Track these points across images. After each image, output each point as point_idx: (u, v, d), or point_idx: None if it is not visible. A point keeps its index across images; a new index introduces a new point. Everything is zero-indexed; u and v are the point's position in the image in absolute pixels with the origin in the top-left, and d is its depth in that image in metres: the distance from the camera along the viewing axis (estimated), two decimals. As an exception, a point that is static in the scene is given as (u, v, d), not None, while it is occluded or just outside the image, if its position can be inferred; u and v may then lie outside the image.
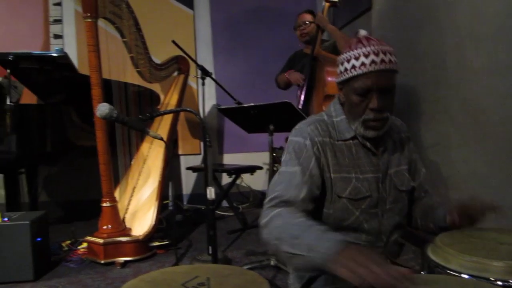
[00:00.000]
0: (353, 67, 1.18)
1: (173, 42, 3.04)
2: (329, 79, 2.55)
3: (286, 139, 2.86)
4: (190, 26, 4.59)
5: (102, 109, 1.54)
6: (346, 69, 1.21)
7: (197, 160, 4.60)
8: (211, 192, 1.95)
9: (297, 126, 1.32)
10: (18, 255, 2.49)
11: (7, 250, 2.49)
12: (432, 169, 2.41)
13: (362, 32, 1.29)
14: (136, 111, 3.20)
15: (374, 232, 1.27)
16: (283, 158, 1.27)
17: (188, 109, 2.04)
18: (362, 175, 1.25)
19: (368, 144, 1.26)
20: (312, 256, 0.93)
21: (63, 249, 3.08)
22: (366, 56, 1.16)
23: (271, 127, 2.42)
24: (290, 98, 2.47)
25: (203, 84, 2.93)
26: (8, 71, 3.01)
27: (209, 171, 1.97)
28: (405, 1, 2.81)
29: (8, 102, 2.99)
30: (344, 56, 1.22)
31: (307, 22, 3.17)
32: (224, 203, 4.15)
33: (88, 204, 4.33)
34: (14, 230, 2.50)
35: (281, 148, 3.20)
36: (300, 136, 1.26)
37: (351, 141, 1.27)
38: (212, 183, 1.99)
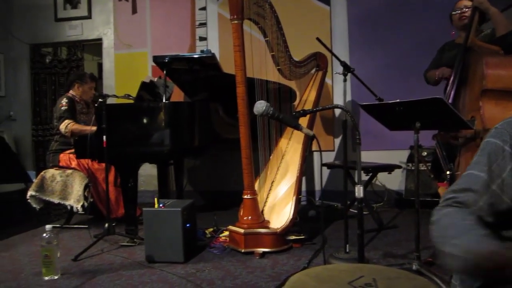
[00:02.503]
0: None
1: (317, 39, 3.05)
2: (490, 71, 2.31)
3: (433, 137, 2.70)
4: (326, 23, 4.57)
5: (259, 106, 1.61)
6: None
7: (330, 157, 4.57)
8: (359, 191, 1.92)
9: (499, 125, 1.11)
10: (171, 239, 2.75)
11: (162, 233, 2.76)
12: None
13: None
14: (276, 108, 3.30)
15: None
16: (474, 158, 1.13)
17: (340, 105, 2.03)
18: None
19: None
20: (470, 259, 0.88)
21: (206, 236, 3.31)
22: None
23: (417, 124, 2.28)
24: (435, 92, 2.31)
25: (345, 80, 2.89)
26: (164, 72, 3.33)
27: (358, 169, 1.94)
28: None
29: (164, 100, 3.32)
30: None
31: (466, 9, 2.92)
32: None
33: (227, 195, 4.62)
34: (168, 216, 2.76)
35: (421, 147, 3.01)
36: (499, 138, 1.08)
37: None
38: (361, 181, 1.95)
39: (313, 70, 3.91)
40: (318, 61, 3.80)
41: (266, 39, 3.14)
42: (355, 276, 0.90)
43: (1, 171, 1.67)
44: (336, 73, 3.48)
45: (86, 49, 5.52)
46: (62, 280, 2.52)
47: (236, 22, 2.85)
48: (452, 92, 2.61)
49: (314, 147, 4.60)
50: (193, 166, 4.90)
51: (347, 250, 2.74)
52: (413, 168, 4.19)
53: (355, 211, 3.99)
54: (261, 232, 2.90)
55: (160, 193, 4.01)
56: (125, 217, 3.39)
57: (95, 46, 5.45)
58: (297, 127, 1.70)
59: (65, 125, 3.77)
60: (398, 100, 2.21)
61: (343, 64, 2.91)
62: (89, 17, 5.29)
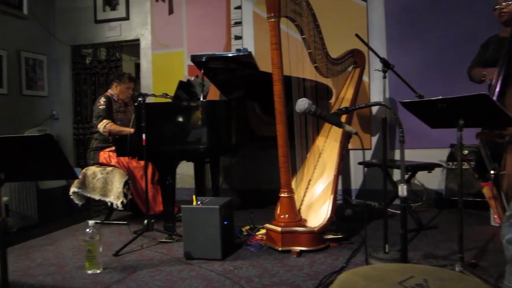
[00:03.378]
0: None
1: (357, 35, 3.01)
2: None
3: (476, 135, 2.61)
4: (363, 19, 4.50)
5: (301, 104, 1.60)
6: None
7: (366, 155, 4.50)
8: (403, 189, 1.88)
9: None
10: (209, 236, 2.78)
11: (200, 230, 2.79)
12: None
13: None
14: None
15: None
16: None
17: (382, 103, 1.99)
18: None
19: None
20: None
21: (243, 233, 3.33)
22: None
23: (461, 122, 2.21)
24: (477, 89, 2.23)
25: (384, 77, 2.84)
26: (202, 71, 3.37)
27: (402, 168, 1.89)
28: None
29: (201, 98, 3.35)
30: None
31: (504, 3, 2.82)
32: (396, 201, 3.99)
33: (263, 193, 4.63)
34: (206, 213, 2.79)
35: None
36: None
37: None
38: (404, 180, 1.90)
39: (350, 67, 3.86)
40: (355, 58, 3.75)
41: (303, 36, 3.12)
42: (404, 276, 0.88)
43: (51, 168, 1.73)
44: (376, 70, 3.41)
45: (124, 49, 5.64)
46: (104, 274, 2.60)
47: (273, 20, 2.85)
48: (498, 89, 2.52)
49: (351, 145, 4.54)
50: (229, 164, 4.93)
51: (387, 250, 2.69)
52: (453, 167, 4.07)
53: (393, 211, 3.97)
54: (298, 231, 2.89)
55: (197, 190, 4.06)
56: (164, 214, 3.45)
57: (133, 46, 5.57)
58: (340, 125, 1.68)
59: (103, 125, 3.86)
60: (440, 97, 2.15)
61: (382, 60, 2.86)
62: (127, 18, 5.41)
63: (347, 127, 1.71)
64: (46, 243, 3.37)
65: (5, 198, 4.39)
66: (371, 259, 2.64)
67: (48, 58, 5.68)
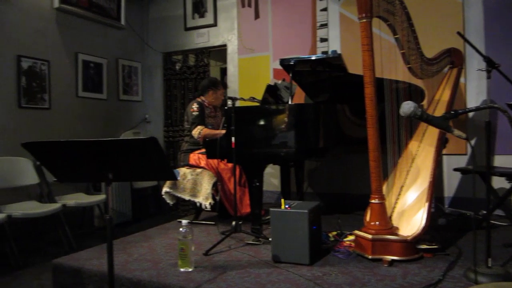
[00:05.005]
0: None
1: (458, 33, 2.84)
2: None
3: None
4: (458, 16, 4.22)
5: (406, 107, 1.53)
6: None
7: (461, 161, 4.22)
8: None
9: None
10: (297, 240, 2.75)
11: (288, 234, 2.78)
12: None
13: None
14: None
15: None
16: None
17: (495, 105, 1.84)
18: None
19: None
20: None
21: (330, 239, 3.26)
22: None
23: None
24: None
25: (489, 77, 2.64)
26: (290, 74, 3.36)
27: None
28: None
29: (290, 101, 3.35)
30: None
31: None
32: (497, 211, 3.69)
33: (349, 198, 4.52)
34: (295, 217, 2.77)
35: None
36: None
37: None
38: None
39: (446, 68, 3.64)
40: (452, 58, 3.52)
41: (395, 36, 2.99)
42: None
43: (153, 170, 1.82)
44: (479, 69, 3.18)
45: (211, 55, 5.83)
46: (195, 272, 2.68)
47: (364, 20, 2.77)
48: None
49: (444, 150, 4.29)
50: (314, 167, 4.88)
51: (489, 265, 2.49)
52: None
53: (493, 222, 3.67)
54: (390, 239, 2.76)
55: (282, 194, 4.07)
56: (251, 216, 3.49)
57: (219, 52, 5.74)
58: (449, 130, 1.58)
59: (198, 131, 4.00)
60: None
61: (486, 59, 2.66)
62: (214, 24, 5.60)
63: (456, 132, 1.59)
64: (141, 239, 3.56)
65: (104, 196, 4.74)
66: (471, 274, 2.45)
67: (142, 65, 6.06)
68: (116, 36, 5.62)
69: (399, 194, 3.02)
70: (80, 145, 1.78)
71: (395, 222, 2.90)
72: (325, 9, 4.83)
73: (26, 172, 4.29)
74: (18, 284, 3.34)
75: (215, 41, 5.61)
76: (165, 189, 3.99)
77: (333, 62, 3.40)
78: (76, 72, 5.06)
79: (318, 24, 4.87)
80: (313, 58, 3.46)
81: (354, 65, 3.53)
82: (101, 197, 4.72)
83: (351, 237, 3.09)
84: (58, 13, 4.82)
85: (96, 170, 1.85)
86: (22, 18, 4.44)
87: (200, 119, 4.07)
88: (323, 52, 4.76)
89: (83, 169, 1.92)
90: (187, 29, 5.79)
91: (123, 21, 5.56)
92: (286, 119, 3.21)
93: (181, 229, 2.70)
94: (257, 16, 5.23)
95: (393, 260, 2.73)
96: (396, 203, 3.00)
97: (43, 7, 4.68)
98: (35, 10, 4.58)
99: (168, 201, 4.04)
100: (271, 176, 5.05)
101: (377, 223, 2.83)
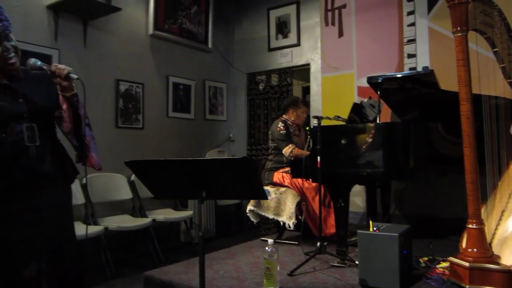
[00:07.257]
0: None
1: None
2: None
3: None
4: None
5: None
6: None
7: None
8: None
9: None
10: (386, 264, 2.63)
11: (377, 257, 2.67)
12: None
13: None
14: (508, 126, 2.91)
15: None
16: None
17: None
18: None
19: None
20: None
21: (420, 264, 3.08)
22: None
23: None
24: None
25: None
26: (378, 92, 3.28)
27: None
28: None
29: (378, 120, 3.26)
30: None
31: None
32: None
33: (440, 222, 4.26)
34: (385, 240, 2.66)
35: None
36: None
37: None
38: None
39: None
40: (559, 71, 3.22)
41: (494, 50, 2.80)
42: None
43: (245, 189, 1.86)
44: None
45: (294, 74, 5.87)
46: (281, 292, 2.67)
47: (459, 34, 2.63)
48: None
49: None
50: (401, 188, 4.68)
51: None
52: None
53: None
54: (491, 268, 2.54)
55: (368, 215, 3.94)
56: (336, 238, 3.41)
57: (302, 71, 5.78)
58: None
59: (290, 150, 4.02)
60: None
61: None
62: (298, 44, 5.65)
63: None
64: (226, 256, 3.62)
65: (190, 212, 4.92)
66: None
67: (227, 85, 6.27)
68: (203, 59, 5.88)
69: (500, 219, 2.78)
70: (178, 164, 1.87)
71: (495, 250, 2.66)
72: (412, 24, 4.67)
73: (121, 187, 4.60)
74: (113, 293, 3.55)
75: (298, 61, 5.66)
76: (249, 207, 4.04)
77: (424, 79, 3.26)
78: (167, 93, 5.36)
79: (405, 40, 4.72)
80: (403, 75, 3.34)
81: (445, 81, 3.37)
82: (188, 213, 4.90)
83: (445, 264, 2.89)
84: (152, 39, 5.16)
85: (191, 188, 1.92)
86: (120, 45, 4.81)
87: (289, 137, 4.10)
88: (410, 69, 4.59)
89: (179, 186, 2.01)
90: (271, 49, 5.90)
91: (210, 45, 5.82)
92: (374, 138, 3.12)
93: (267, 248, 2.71)
94: (341, 34, 5.20)
95: (495, 292, 2.50)
96: (496, 229, 2.76)
97: (139, 34, 5.04)
98: (132, 37, 4.95)
99: (252, 219, 4.08)
100: (354, 196, 4.92)
101: (475, 250, 2.62)
